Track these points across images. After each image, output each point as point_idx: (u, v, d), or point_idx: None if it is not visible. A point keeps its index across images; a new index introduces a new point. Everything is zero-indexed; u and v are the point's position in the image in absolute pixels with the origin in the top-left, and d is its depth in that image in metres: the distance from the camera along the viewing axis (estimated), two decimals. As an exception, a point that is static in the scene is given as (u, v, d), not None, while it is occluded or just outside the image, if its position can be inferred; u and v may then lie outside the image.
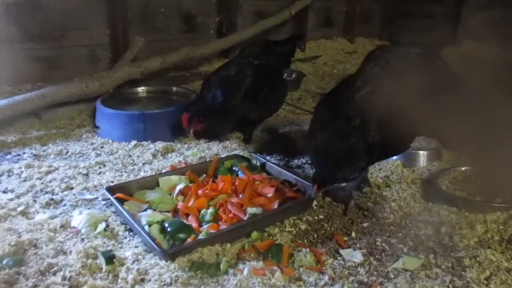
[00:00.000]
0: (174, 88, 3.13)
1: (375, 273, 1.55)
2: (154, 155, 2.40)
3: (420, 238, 1.76)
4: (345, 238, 1.75)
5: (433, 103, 1.67)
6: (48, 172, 2.18)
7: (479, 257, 1.62)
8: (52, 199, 1.93)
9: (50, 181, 2.09)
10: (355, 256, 1.63)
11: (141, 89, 3.09)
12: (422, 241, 1.74)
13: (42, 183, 2.07)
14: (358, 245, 1.71)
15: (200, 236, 1.61)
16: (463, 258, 1.63)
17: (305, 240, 1.73)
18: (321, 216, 1.89)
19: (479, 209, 1.90)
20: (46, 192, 2.00)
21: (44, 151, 2.45)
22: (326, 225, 1.84)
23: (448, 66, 1.82)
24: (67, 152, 2.45)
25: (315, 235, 1.77)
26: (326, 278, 1.50)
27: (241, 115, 2.50)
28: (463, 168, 2.21)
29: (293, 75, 3.91)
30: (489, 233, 1.77)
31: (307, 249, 1.64)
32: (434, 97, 1.69)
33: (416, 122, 1.64)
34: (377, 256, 1.65)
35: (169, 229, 1.62)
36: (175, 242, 1.59)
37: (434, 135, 1.99)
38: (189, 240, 1.59)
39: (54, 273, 1.46)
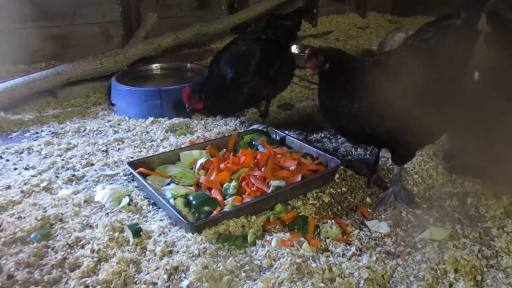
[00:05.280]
0: (188, 65, 3.11)
1: (402, 243, 1.55)
2: (171, 131, 2.40)
3: (445, 210, 1.75)
4: (369, 210, 1.74)
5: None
6: (67, 149, 2.18)
7: (507, 227, 1.62)
8: (74, 175, 1.93)
9: (71, 158, 2.09)
10: (381, 227, 1.63)
11: (155, 66, 3.07)
12: (448, 212, 1.73)
13: (63, 159, 2.07)
14: (383, 217, 1.70)
15: (226, 209, 1.61)
16: (490, 229, 1.62)
17: (329, 212, 1.72)
18: (344, 189, 1.88)
19: (505, 179, 1.87)
20: (68, 169, 2.00)
21: (62, 128, 2.45)
22: (349, 197, 1.83)
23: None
24: (84, 130, 2.45)
25: (339, 207, 1.76)
26: (353, 248, 1.49)
27: (252, 91, 2.46)
28: (485, 140, 2.17)
29: (307, 51, 3.83)
30: (516, 204, 1.76)
31: (332, 221, 1.63)
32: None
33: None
34: (403, 227, 1.64)
35: (194, 202, 1.62)
36: (200, 214, 1.59)
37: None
38: (214, 212, 1.58)
39: (82, 246, 1.47)
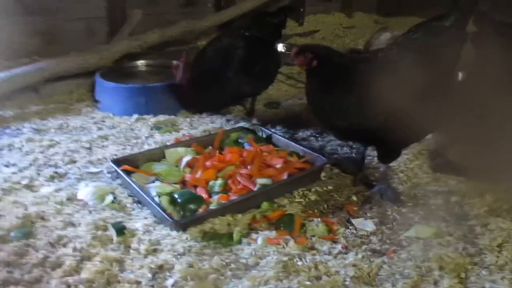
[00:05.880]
0: (174, 62, 3.06)
1: (388, 241, 1.55)
2: (157, 129, 2.37)
3: (430, 208, 1.76)
4: (355, 208, 1.74)
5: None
6: (49, 146, 2.13)
7: (490, 225, 1.63)
8: (56, 173, 1.90)
9: (53, 155, 2.05)
10: (366, 225, 1.63)
11: (140, 63, 3.02)
12: (433, 210, 1.74)
13: (45, 156, 2.03)
14: (369, 215, 1.70)
15: (211, 207, 1.59)
16: (474, 226, 1.63)
17: (316, 210, 1.72)
18: (330, 187, 1.88)
19: (488, 178, 1.89)
20: (50, 166, 1.96)
21: (44, 125, 2.40)
22: (335, 195, 1.83)
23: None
24: (67, 126, 2.40)
25: (325, 205, 1.76)
26: (339, 246, 1.49)
27: (235, 87, 2.44)
28: (470, 139, 2.19)
29: (294, 48, 3.83)
30: (499, 202, 1.77)
31: (319, 219, 1.63)
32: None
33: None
34: (389, 225, 1.65)
35: (179, 200, 1.60)
36: (186, 213, 1.57)
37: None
38: (200, 210, 1.57)
39: (65, 245, 1.43)
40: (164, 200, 1.64)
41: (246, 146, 2.06)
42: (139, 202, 1.71)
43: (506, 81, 1.68)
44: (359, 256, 1.45)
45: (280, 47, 3.80)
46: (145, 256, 1.39)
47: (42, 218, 1.57)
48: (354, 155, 2.16)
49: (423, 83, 1.63)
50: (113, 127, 2.40)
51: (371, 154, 2.13)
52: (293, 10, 4.53)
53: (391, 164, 2.01)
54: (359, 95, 1.63)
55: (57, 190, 1.75)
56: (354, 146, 2.25)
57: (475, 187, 1.87)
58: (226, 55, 2.42)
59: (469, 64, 1.83)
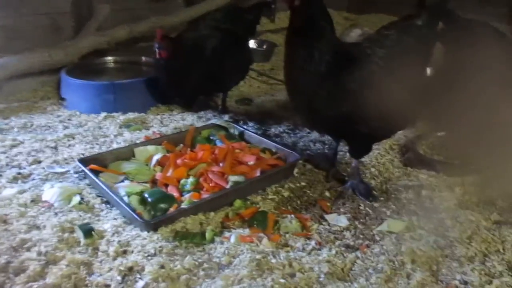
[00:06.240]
0: (144, 58, 3.00)
1: (361, 236, 1.55)
2: (126, 127, 2.31)
3: (401, 202, 1.77)
4: (328, 204, 1.74)
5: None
6: (12, 146, 2.04)
7: (460, 218, 1.66)
8: (19, 173, 1.82)
9: (16, 155, 1.96)
10: (340, 220, 1.63)
11: (108, 59, 2.94)
12: (404, 204, 1.76)
13: (7, 157, 1.94)
14: (342, 210, 1.70)
15: (183, 206, 1.56)
16: (444, 220, 1.65)
17: (289, 207, 1.71)
18: (303, 183, 1.87)
19: (457, 172, 1.93)
20: (13, 166, 1.88)
21: (6, 124, 2.30)
22: (308, 191, 1.82)
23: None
24: (31, 125, 2.31)
25: (299, 202, 1.75)
26: (313, 243, 1.48)
27: (205, 78, 2.41)
28: (439, 134, 2.23)
29: (264, 46, 3.83)
30: (467, 195, 1.80)
31: (292, 216, 1.61)
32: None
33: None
34: (361, 220, 1.65)
35: (149, 200, 1.56)
36: (156, 212, 1.53)
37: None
38: (171, 210, 1.53)
39: (28, 249, 1.37)
40: (134, 200, 1.60)
41: (218, 143, 2.03)
42: (107, 202, 1.66)
43: (473, 76, 1.71)
44: (333, 251, 1.44)
45: (252, 44, 3.78)
46: (114, 258, 1.35)
47: (5, 222, 1.50)
48: (326, 151, 2.16)
49: (394, 78, 1.63)
50: (80, 126, 2.32)
51: (343, 149, 2.14)
52: (269, 6, 4.52)
53: (362, 159, 2.02)
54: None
55: (21, 192, 1.68)
56: (326, 142, 2.25)
57: (445, 180, 1.90)
58: (198, 44, 2.39)
59: (437, 60, 1.86)
